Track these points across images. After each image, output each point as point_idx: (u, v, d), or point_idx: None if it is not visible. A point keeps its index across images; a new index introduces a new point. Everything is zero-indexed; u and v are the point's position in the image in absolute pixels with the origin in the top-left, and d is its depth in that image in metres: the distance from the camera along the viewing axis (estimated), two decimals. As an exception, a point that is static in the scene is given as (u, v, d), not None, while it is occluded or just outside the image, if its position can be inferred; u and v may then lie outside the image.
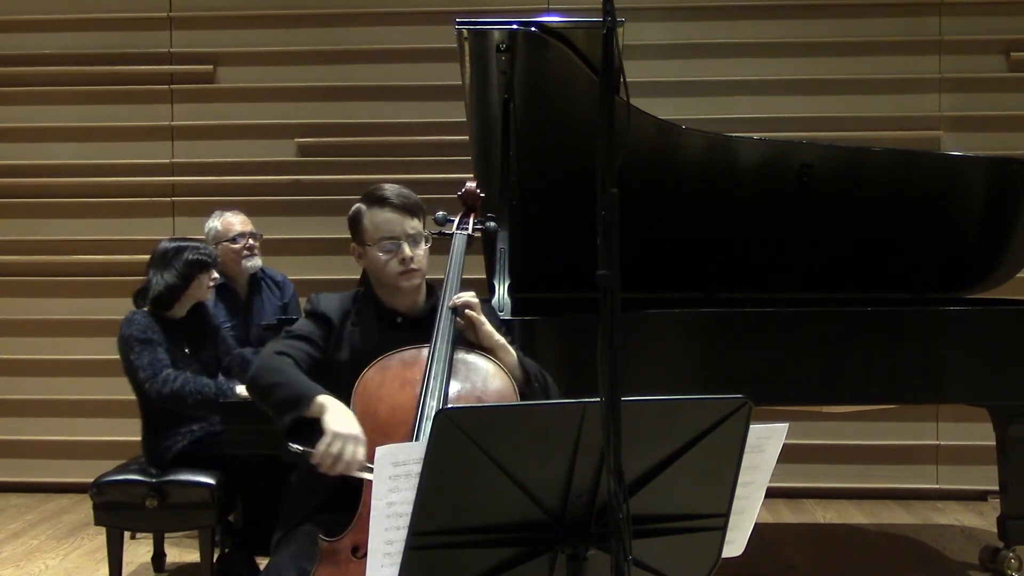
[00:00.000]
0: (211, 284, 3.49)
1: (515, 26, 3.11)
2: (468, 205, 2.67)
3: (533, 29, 3.13)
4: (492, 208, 3.31)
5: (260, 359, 2.36)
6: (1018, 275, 3.94)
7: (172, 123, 5.25)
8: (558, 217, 3.41)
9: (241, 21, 5.23)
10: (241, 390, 3.27)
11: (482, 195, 2.69)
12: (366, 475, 2.06)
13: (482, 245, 3.77)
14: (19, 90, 5.27)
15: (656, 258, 3.46)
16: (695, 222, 3.68)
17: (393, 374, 2.27)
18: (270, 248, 4.29)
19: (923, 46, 5.07)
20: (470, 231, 2.61)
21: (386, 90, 5.19)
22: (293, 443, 2.12)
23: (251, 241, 4.06)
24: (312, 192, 5.16)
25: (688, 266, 3.74)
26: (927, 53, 5.07)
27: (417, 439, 2.12)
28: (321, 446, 2.09)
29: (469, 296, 2.39)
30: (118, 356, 3.36)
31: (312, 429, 2.16)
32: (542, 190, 3.49)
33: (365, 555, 2.02)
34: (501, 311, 3.04)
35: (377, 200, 2.42)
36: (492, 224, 2.67)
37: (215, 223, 4.07)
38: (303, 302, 4.29)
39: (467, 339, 2.38)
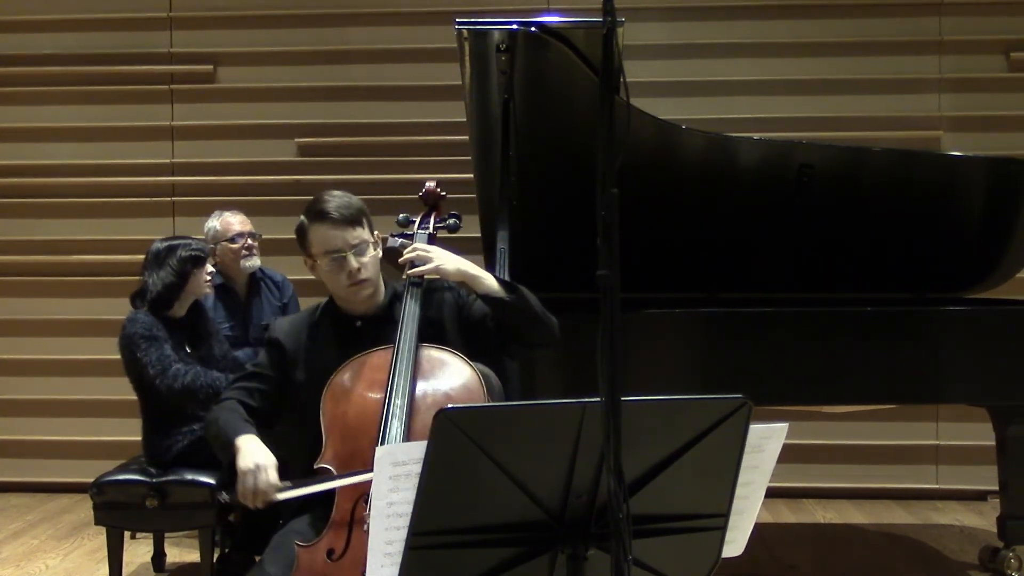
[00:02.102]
0: (208, 279, 3.50)
1: (515, 26, 3.11)
2: (430, 205, 2.68)
3: (533, 29, 3.13)
4: (494, 208, 3.32)
5: (211, 407, 2.49)
6: (1018, 275, 3.94)
7: (172, 123, 5.25)
8: (558, 217, 3.41)
9: (241, 21, 5.23)
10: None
11: (443, 194, 2.70)
12: (287, 494, 2.18)
13: (482, 246, 3.77)
14: (19, 90, 5.27)
15: (656, 258, 3.46)
16: (695, 222, 3.68)
17: (360, 376, 2.30)
18: (270, 248, 4.29)
19: (923, 46, 5.06)
20: (431, 230, 2.62)
21: (386, 90, 5.19)
22: (221, 493, 2.26)
23: (250, 241, 4.06)
24: (312, 192, 5.02)
25: (688, 266, 3.74)
26: (927, 53, 5.07)
27: (384, 440, 2.15)
28: (237, 486, 2.21)
29: (413, 257, 2.42)
30: (118, 356, 3.35)
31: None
32: (542, 190, 3.49)
33: (341, 558, 2.06)
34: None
35: (317, 215, 2.40)
36: (453, 221, 2.66)
37: (214, 223, 4.07)
38: (303, 303, 4.32)
39: (437, 334, 2.40)
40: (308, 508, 2.29)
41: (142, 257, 3.50)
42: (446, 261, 2.42)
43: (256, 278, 4.14)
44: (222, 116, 5.23)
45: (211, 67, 5.24)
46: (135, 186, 5.23)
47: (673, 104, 4.84)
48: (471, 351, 2.40)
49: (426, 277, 2.46)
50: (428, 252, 2.43)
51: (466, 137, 3.71)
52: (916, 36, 5.06)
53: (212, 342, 3.55)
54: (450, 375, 2.31)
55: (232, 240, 4.02)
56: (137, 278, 3.49)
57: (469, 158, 3.72)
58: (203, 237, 4.01)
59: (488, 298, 2.40)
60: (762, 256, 3.75)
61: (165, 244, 3.46)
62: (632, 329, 3.16)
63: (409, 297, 2.41)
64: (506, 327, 2.44)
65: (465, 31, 3.14)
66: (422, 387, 2.27)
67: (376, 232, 2.48)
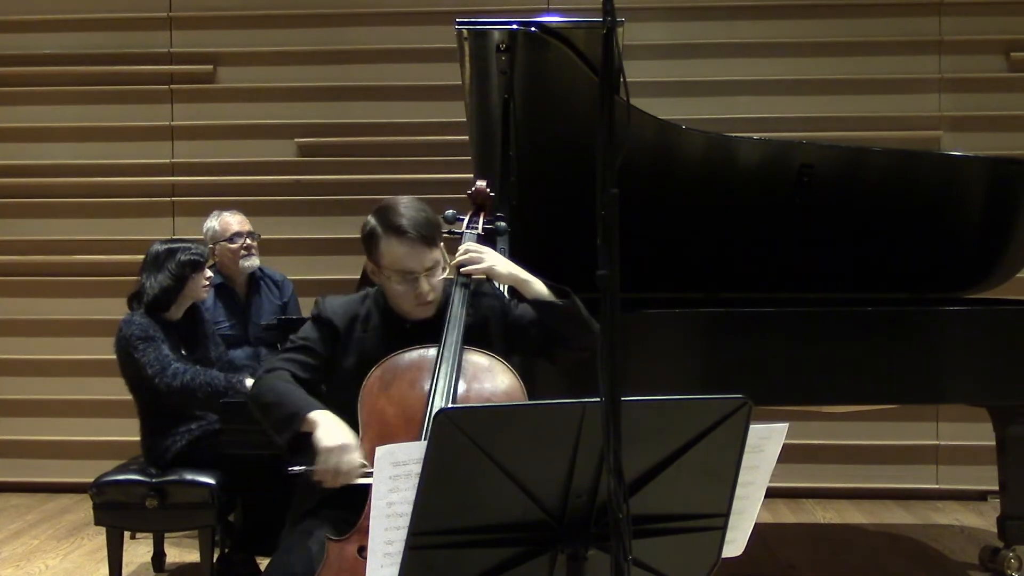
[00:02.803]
0: (206, 283, 3.50)
1: (515, 26, 3.11)
2: (478, 204, 2.65)
3: (533, 29, 3.13)
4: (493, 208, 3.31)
5: (258, 378, 2.37)
6: (1018, 275, 3.94)
7: (172, 123, 5.25)
8: (558, 217, 3.41)
9: (241, 21, 5.23)
10: (251, 383, 3.27)
11: (491, 194, 2.68)
12: (369, 480, 2.07)
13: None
14: (19, 90, 5.27)
15: (656, 258, 3.46)
16: (695, 222, 3.68)
17: (401, 374, 2.27)
18: (270, 248, 4.29)
19: (923, 46, 5.06)
20: (480, 230, 2.59)
21: (386, 90, 5.19)
22: (292, 466, 2.16)
23: (249, 241, 4.06)
24: (312, 192, 5.16)
25: (688, 266, 3.74)
26: (927, 53, 5.07)
27: (425, 439, 2.11)
28: (318, 464, 2.12)
29: (466, 258, 2.40)
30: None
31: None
32: (542, 190, 3.49)
33: None
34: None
35: (394, 229, 2.30)
36: (502, 224, 2.65)
37: (213, 223, 4.07)
38: (303, 302, 4.33)
39: (481, 338, 2.37)
40: (332, 502, 2.24)
41: (142, 257, 3.51)
42: (498, 263, 2.41)
43: (256, 278, 4.14)
44: (222, 116, 5.23)
45: (211, 67, 5.24)
46: (135, 186, 5.23)
47: (673, 104, 4.84)
48: (511, 356, 2.38)
49: (474, 278, 2.44)
50: (481, 253, 2.41)
51: (466, 137, 3.71)
52: (916, 36, 5.06)
53: (208, 344, 3.56)
54: (493, 380, 2.29)
55: (231, 240, 4.02)
56: (137, 278, 3.49)
57: (469, 158, 3.72)
58: (202, 238, 4.02)
59: (538, 303, 2.39)
60: (762, 256, 3.74)
61: (165, 247, 3.46)
62: (632, 329, 3.16)
63: (456, 298, 2.37)
64: (553, 333, 2.42)
65: (465, 31, 3.14)
66: (464, 390, 2.25)
67: (443, 246, 2.42)
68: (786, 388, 3.35)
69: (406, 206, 2.35)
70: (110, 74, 5.24)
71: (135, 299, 3.43)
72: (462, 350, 2.30)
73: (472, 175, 3.70)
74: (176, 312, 3.44)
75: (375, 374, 2.27)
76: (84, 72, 5.24)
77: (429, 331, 2.36)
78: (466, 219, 2.61)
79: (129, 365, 3.32)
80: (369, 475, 2.03)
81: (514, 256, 3.15)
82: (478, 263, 2.40)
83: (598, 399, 1.41)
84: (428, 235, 2.31)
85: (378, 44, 5.19)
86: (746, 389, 1.62)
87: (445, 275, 2.41)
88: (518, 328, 2.47)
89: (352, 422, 2.23)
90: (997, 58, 5.07)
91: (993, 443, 3.61)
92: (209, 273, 3.53)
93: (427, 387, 2.22)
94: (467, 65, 3.28)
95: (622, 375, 1.41)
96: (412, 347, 2.31)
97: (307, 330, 2.44)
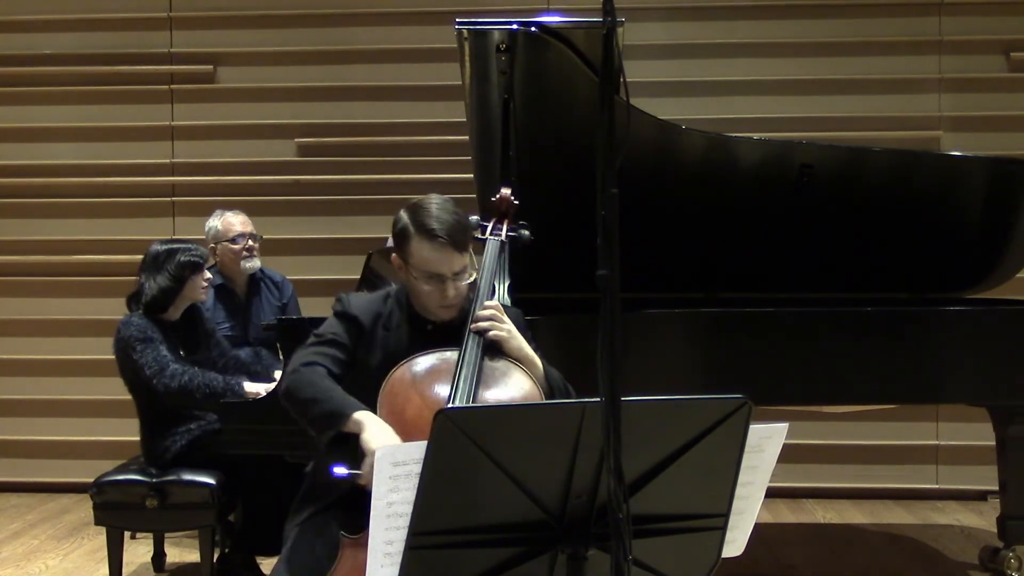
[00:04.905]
0: (205, 285, 3.50)
1: (515, 26, 3.11)
2: (502, 211, 2.62)
3: (533, 29, 3.12)
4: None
5: (293, 370, 2.30)
6: (1018, 275, 3.94)
7: (172, 123, 5.25)
8: (558, 217, 3.40)
9: (241, 21, 5.23)
10: (248, 386, 3.28)
11: (516, 202, 2.64)
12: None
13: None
14: (19, 90, 5.27)
15: (656, 258, 3.46)
16: (695, 222, 3.68)
17: (422, 375, 2.26)
18: (270, 248, 4.29)
19: (923, 46, 5.07)
20: (503, 237, 2.57)
21: (386, 90, 5.19)
22: (337, 469, 2.11)
23: (251, 242, 4.06)
24: (312, 192, 5.16)
25: (688, 266, 3.74)
26: (927, 53, 5.07)
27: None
28: (366, 467, 2.06)
29: (490, 315, 2.33)
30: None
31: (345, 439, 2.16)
32: (542, 190, 3.48)
33: None
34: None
35: (428, 232, 2.28)
36: (525, 233, 2.62)
37: (215, 222, 4.07)
38: (303, 303, 4.33)
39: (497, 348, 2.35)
40: (343, 502, 2.23)
41: (141, 257, 3.50)
42: (515, 336, 2.34)
43: (256, 278, 4.13)
44: (222, 116, 5.23)
45: (211, 67, 5.24)
46: (135, 186, 5.23)
47: (673, 104, 4.84)
48: None
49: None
50: (504, 323, 2.34)
51: (466, 137, 3.71)
52: (916, 36, 5.06)
53: (209, 345, 3.55)
54: (512, 386, 2.28)
55: (233, 241, 4.02)
56: (136, 278, 3.49)
57: (469, 158, 3.72)
58: (203, 238, 4.02)
59: None
60: (762, 256, 3.74)
61: (165, 248, 3.46)
62: (632, 329, 3.16)
63: (471, 341, 2.30)
64: None
65: (465, 31, 3.14)
66: (484, 395, 2.24)
67: (471, 258, 2.40)
68: (786, 388, 3.35)
69: (440, 207, 2.32)
70: (110, 74, 5.24)
71: (134, 300, 3.43)
72: (483, 355, 2.28)
73: (472, 175, 3.70)
74: (174, 313, 3.44)
75: (395, 375, 2.25)
76: (84, 72, 5.24)
77: (451, 334, 2.34)
78: (490, 225, 2.58)
79: (127, 366, 3.32)
80: None
81: (514, 256, 3.16)
82: (499, 330, 2.33)
83: (598, 399, 1.41)
84: (459, 240, 2.30)
85: (378, 44, 5.19)
86: (746, 389, 1.62)
87: (471, 279, 2.39)
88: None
89: None
90: (997, 58, 5.07)
91: (993, 443, 3.61)
92: (208, 275, 3.53)
93: (447, 390, 2.20)
94: (467, 65, 3.27)
95: (622, 375, 1.41)
96: (433, 350, 2.30)
97: (333, 325, 2.39)
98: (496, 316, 2.34)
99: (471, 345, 2.28)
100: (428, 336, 2.38)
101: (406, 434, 2.15)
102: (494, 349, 2.33)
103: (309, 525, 2.24)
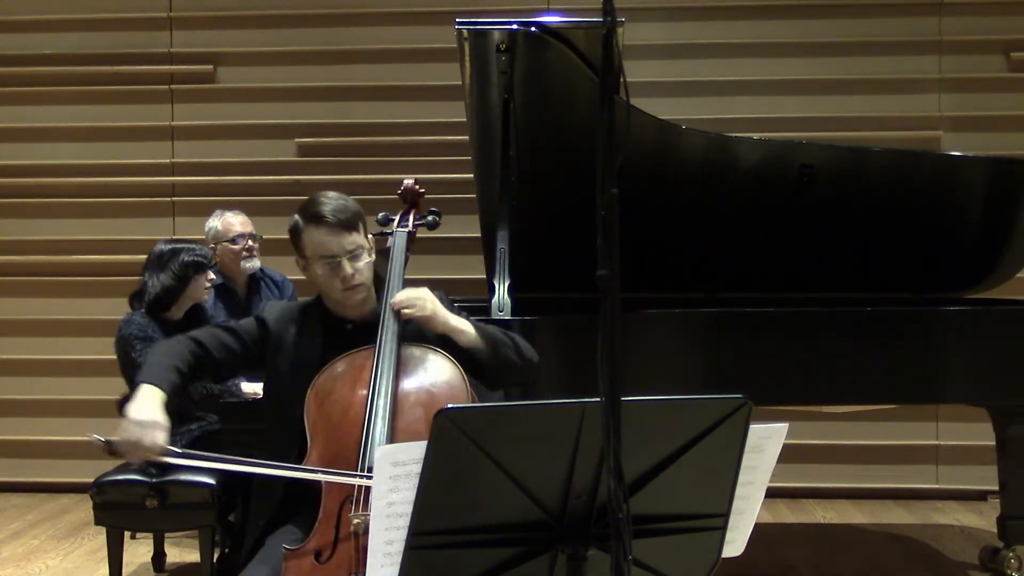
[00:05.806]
0: (208, 285, 3.50)
1: (515, 26, 3.11)
2: (409, 202, 2.66)
3: (533, 29, 3.12)
4: (494, 208, 3.31)
5: (172, 339, 2.42)
6: (1018, 275, 3.94)
7: (172, 123, 5.25)
8: (558, 217, 3.41)
9: (241, 21, 5.23)
10: (246, 387, 3.28)
11: (422, 191, 2.67)
12: (171, 460, 2.13)
13: (482, 246, 3.77)
14: (19, 90, 5.27)
15: (656, 258, 3.46)
16: (695, 222, 3.68)
17: (343, 377, 2.28)
18: (270, 248, 4.29)
19: (923, 46, 5.07)
20: (410, 227, 2.59)
21: (386, 90, 5.19)
22: (95, 434, 2.12)
23: (251, 243, 4.06)
24: (312, 192, 5.13)
25: (688, 266, 3.74)
26: (927, 53, 5.07)
27: (368, 440, 2.14)
28: (119, 433, 2.11)
29: (403, 296, 2.35)
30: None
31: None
32: (542, 190, 3.49)
33: (328, 560, 2.04)
34: (501, 311, 3.05)
35: (313, 217, 2.36)
36: (432, 218, 2.62)
37: (216, 223, 4.07)
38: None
39: (417, 332, 2.36)
40: (294, 514, 2.26)
41: (142, 257, 3.51)
42: (438, 311, 2.36)
43: (256, 278, 4.14)
44: (222, 116, 5.23)
45: (211, 67, 5.24)
46: (135, 186, 5.23)
47: (673, 104, 4.84)
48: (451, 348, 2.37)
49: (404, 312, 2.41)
50: (424, 300, 2.36)
51: (466, 137, 3.71)
52: (916, 36, 5.06)
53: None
54: (433, 372, 2.29)
55: (233, 241, 4.02)
56: (137, 278, 3.49)
57: (469, 158, 3.72)
58: (204, 238, 4.02)
59: (472, 350, 2.36)
60: (762, 256, 3.74)
61: (169, 247, 3.46)
62: (632, 329, 3.16)
63: (388, 306, 2.35)
64: (485, 371, 2.39)
65: (465, 31, 3.14)
66: (405, 386, 2.26)
67: (371, 236, 2.45)
68: (786, 388, 3.36)
69: (326, 196, 2.41)
70: (110, 74, 5.24)
71: (136, 298, 3.43)
72: (400, 346, 2.30)
73: (472, 175, 3.70)
74: (177, 312, 3.44)
75: (318, 381, 2.28)
76: (84, 72, 5.24)
77: (371, 332, 2.35)
78: (396, 218, 2.61)
79: (128, 365, 3.32)
80: (172, 455, 2.11)
81: (514, 256, 3.17)
82: (421, 311, 2.34)
83: (598, 399, 1.41)
84: (346, 219, 2.35)
85: (378, 44, 5.19)
86: (746, 389, 1.62)
87: (372, 259, 2.41)
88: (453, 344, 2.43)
89: (294, 426, 2.26)
90: (997, 58, 5.07)
91: (993, 443, 3.61)
92: (211, 275, 3.53)
93: (369, 387, 2.22)
94: (467, 65, 3.28)
95: (622, 375, 1.41)
96: (353, 351, 2.32)
97: (245, 323, 2.49)
98: (411, 297, 2.35)
99: (386, 339, 2.28)
100: (347, 336, 2.39)
101: (335, 438, 2.19)
102: (416, 334, 2.35)
103: (259, 547, 2.24)
